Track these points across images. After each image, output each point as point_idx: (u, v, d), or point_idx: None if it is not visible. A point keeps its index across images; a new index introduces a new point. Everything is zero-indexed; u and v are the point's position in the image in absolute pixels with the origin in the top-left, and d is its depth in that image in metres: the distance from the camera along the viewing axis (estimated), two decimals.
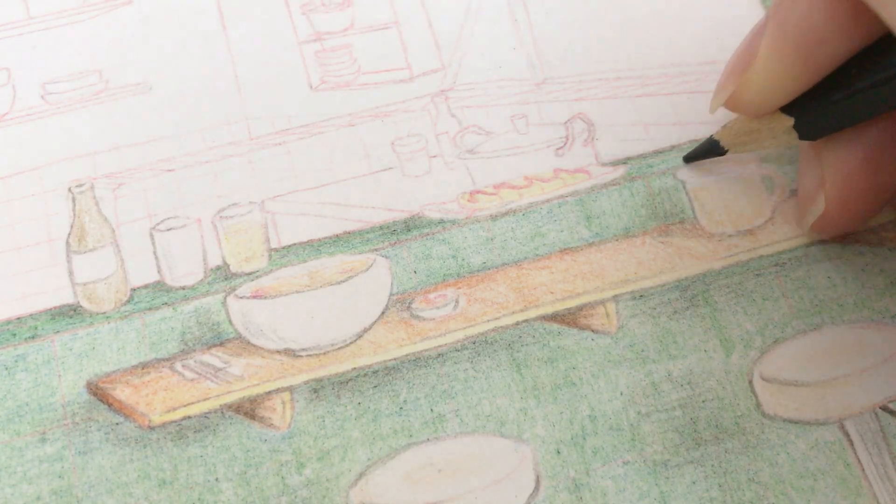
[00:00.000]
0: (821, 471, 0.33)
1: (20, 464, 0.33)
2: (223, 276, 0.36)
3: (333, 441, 0.33)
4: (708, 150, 0.36)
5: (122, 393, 0.34)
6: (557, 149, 0.38)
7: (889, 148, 0.33)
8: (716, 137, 0.35)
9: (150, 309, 0.35)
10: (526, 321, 0.35)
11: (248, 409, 0.34)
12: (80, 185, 0.37)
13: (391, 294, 0.36)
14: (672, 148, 0.38)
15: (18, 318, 0.35)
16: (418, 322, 0.35)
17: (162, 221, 0.37)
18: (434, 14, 0.41)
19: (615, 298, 0.35)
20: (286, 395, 0.34)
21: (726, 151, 0.35)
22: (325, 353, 0.35)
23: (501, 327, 0.35)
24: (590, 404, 0.34)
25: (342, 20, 0.41)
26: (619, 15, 0.40)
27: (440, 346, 0.35)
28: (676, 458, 0.33)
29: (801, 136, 0.33)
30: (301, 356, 0.35)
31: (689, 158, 0.37)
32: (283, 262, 0.36)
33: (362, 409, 0.34)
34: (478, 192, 0.37)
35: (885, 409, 0.34)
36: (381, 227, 0.37)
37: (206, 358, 0.35)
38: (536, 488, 0.33)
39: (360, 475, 0.33)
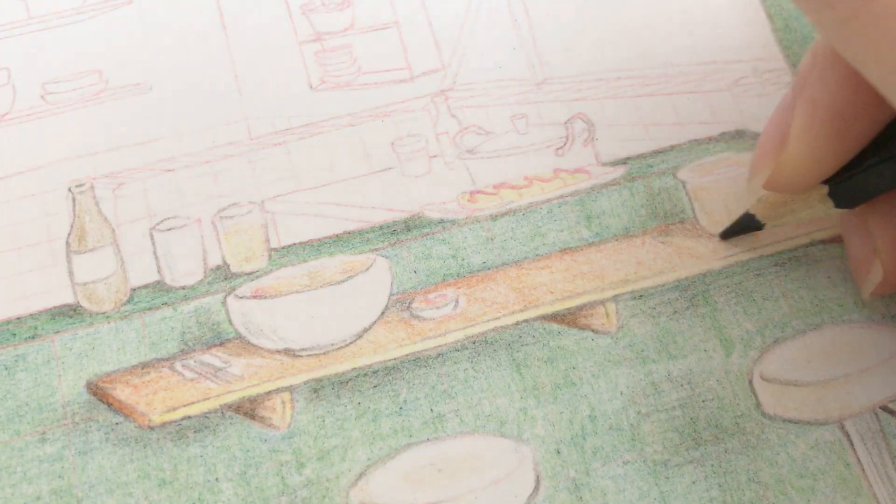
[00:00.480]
0: (821, 471, 0.33)
1: (20, 464, 0.33)
2: (223, 276, 0.36)
3: (333, 441, 0.33)
4: (745, 226, 0.35)
5: (122, 393, 0.34)
6: (557, 149, 0.38)
7: None
8: (751, 212, 0.34)
9: (150, 309, 0.35)
10: (526, 321, 0.35)
11: (248, 409, 0.34)
12: (80, 185, 0.37)
13: (391, 294, 0.36)
14: (672, 148, 0.38)
15: (18, 318, 0.35)
16: (418, 322, 0.35)
17: (162, 221, 0.37)
18: (434, 14, 0.41)
19: (615, 298, 0.35)
20: (286, 395, 0.34)
21: (763, 225, 0.35)
22: (325, 353, 0.35)
23: (501, 327, 0.35)
24: (590, 404, 0.34)
25: (342, 20, 0.41)
26: (619, 15, 0.40)
27: (440, 346, 0.35)
28: (676, 458, 0.33)
29: (837, 205, 0.32)
30: (301, 356, 0.35)
31: (726, 235, 0.36)
32: (283, 262, 0.36)
33: (362, 409, 0.34)
34: (478, 192, 0.37)
35: (885, 409, 0.34)
36: (381, 227, 0.37)
37: (206, 358, 0.35)
38: (536, 488, 0.33)
39: (360, 475, 0.33)
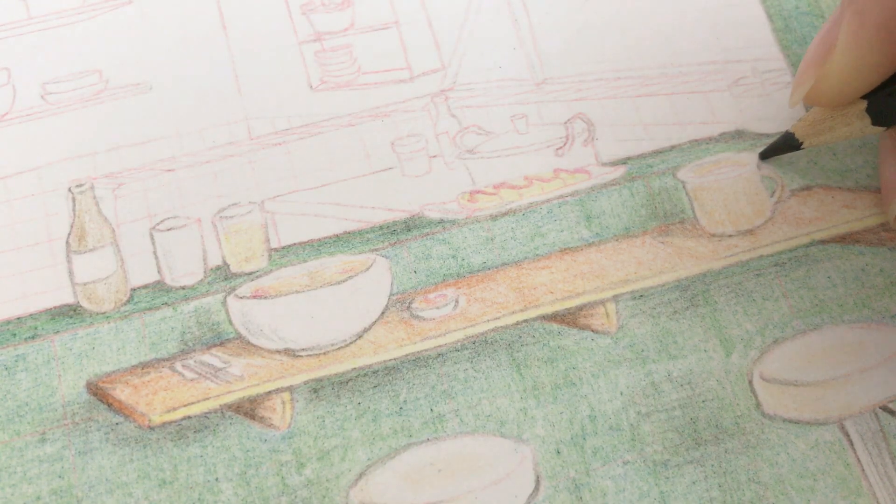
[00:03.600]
0: (821, 471, 0.33)
1: (20, 464, 0.33)
2: (223, 276, 0.36)
3: (333, 441, 0.33)
4: (784, 145, 0.35)
5: (122, 393, 0.34)
6: (557, 149, 0.38)
7: None
8: (791, 130, 0.35)
9: (150, 309, 0.35)
10: (526, 321, 0.35)
11: (248, 409, 0.34)
12: (80, 185, 0.37)
13: (391, 294, 0.36)
14: (672, 148, 0.38)
15: (18, 318, 0.35)
16: (418, 322, 0.35)
17: (162, 221, 0.37)
18: (434, 14, 0.41)
19: (615, 298, 0.35)
20: (286, 395, 0.34)
21: (801, 145, 0.35)
22: (325, 353, 0.35)
23: (501, 327, 0.35)
24: (590, 404, 0.34)
25: (342, 20, 0.41)
26: (619, 15, 0.40)
27: (440, 346, 0.35)
28: (676, 458, 0.33)
29: (874, 122, 0.32)
30: (301, 356, 0.35)
31: (766, 154, 0.36)
32: (283, 262, 0.36)
33: (362, 409, 0.34)
34: (478, 192, 0.37)
35: (885, 409, 0.34)
36: (381, 227, 0.37)
37: (206, 358, 0.35)
38: (536, 488, 0.33)
39: (360, 475, 0.33)
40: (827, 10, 0.40)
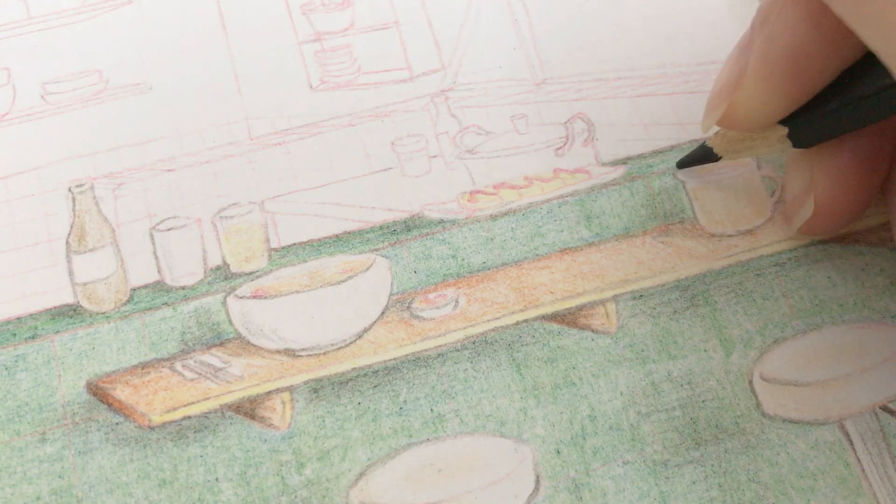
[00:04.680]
0: (821, 471, 0.33)
1: (20, 464, 0.33)
2: (223, 276, 0.36)
3: (333, 441, 0.33)
4: (701, 157, 0.36)
5: (122, 393, 0.34)
6: (557, 149, 0.38)
7: (879, 152, 0.32)
8: (709, 144, 0.35)
9: (150, 309, 0.35)
10: (526, 321, 0.35)
11: (248, 409, 0.34)
12: (80, 185, 0.37)
13: (391, 294, 0.36)
14: (672, 148, 0.38)
15: (18, 318, 0.35)
16: (418, 322, 0.35)
17: (162, 221, 0.37)
18: (434, 14, 0.41)
19: (615, 298, 0.35)
20: (286, 395, 0.34)
21: (720, 158, 0.35)
22: (325, 353, 0.35)
23: (501, 327, 0.35)
24: (590, 404, 0.34)
25: (342, 20, 0.41)
26: (618, 15, 0.40)
27: (440, 346, 0.35)
28: (676, 458, 0.33)
29: (795, 145, 0.32)
30: (301, 356, 0.35)
31: (682, 164, 0.37)
32: (283, 262, 0.36)
33: (362, 409, 0.34)
34: (478, 192, 0.37)
35: (885, 409, 0.34)
36: (381, 227, 0.37)
37: (206, 358, 0.35)
38: (536, 488, 0.33)
39: (360, 475, 0.33)
40: None
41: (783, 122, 0.32)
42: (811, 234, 0.35)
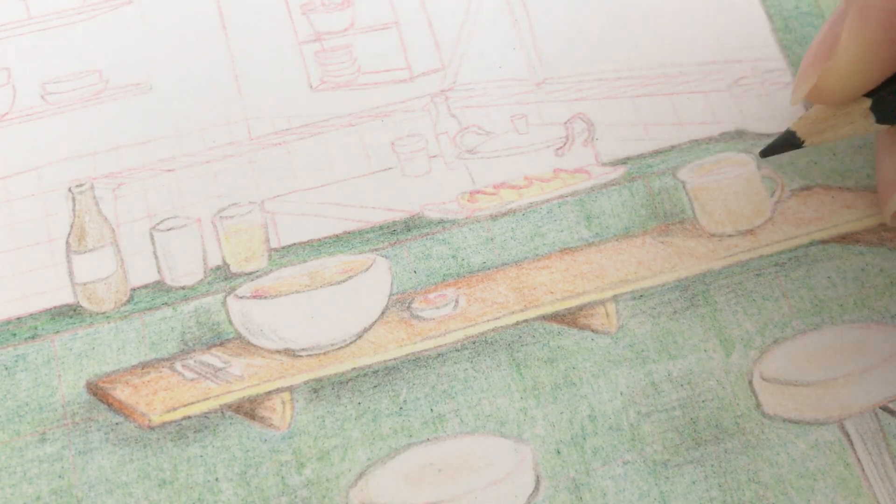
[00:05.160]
0: (821, 471, 0.33)
1: (20, 464, 0.33)
2: (223, 276, 0.36)
3: (333, 441, 0.33)
4: (785, 143, 0.34)
5: (122, 393, 0.34)
6: (557, 149, 0.38)
7: None
8: (792, 129, 0.34)
9: (150, 309, 0.35)
10: (526, 321, 0.35)
11: (248, 409, 0.34)
12: (80, 185, 0.37)
13: (391, 294, 0.36)
14: (672, 148, 0.38)
15: (18, 318, 0.35)
16: (418, 322, 0.35)
17: (162, 221, 0.37)
18: (434, 14, 0.41)
19: (615, 298, 0.35)
20: (286, 395, 0.34)
21: (803, 143, 0.34)
22: (325, 353, 0.35)
23: (501, 327, 0.35)
24: (590, 404, 0.34)
25: (342, 20, 0.41)
26: (619, 15, 0.40)
27: (440, 346, 0.35)
28: (676, 458, 0.33)
29: (879, 119, 0.32)
30: (301, 356, 0.35)
31: (766, 153, 0.35)
32: (283, 262, 0.36)
33: (362, 409, 0.34)
34: (478, 192, 0.37)
35: (885, 409, 0.34)
36: (381, 227, 0.37)
37: (206, 358, 0.35)
38: (536, 488, 0.33)
39: (360, 475, 0.33)
40: (827, 9, 0.40)
41: (867, 95, 0.32)
42: None
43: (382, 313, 0.35)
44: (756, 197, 0.37)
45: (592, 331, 0.35)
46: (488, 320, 0.35)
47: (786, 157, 0.37)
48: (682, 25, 0.40)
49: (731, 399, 0.34)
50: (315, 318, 0.35)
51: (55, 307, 0.35)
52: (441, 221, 0.37)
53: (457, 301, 0.35)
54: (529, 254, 0.36)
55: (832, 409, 0.34)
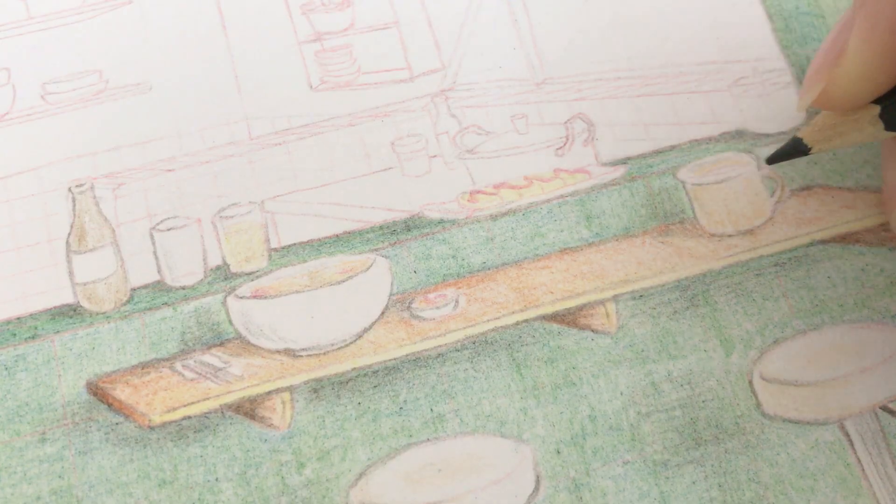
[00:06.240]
0: (821, 471, 0.33)
1: (20, 464, 0.33)
2: (223, 276, 0.36)
3: (333, 441, 0.33)
4: (792, 150, 0.34)
5: (122, 393, 0.34)
6: (557, 149, 0.38)
7: None
8: (799, 135, 0.34)
9: (150, 309, 0.35)
10: (526, 321, 0.35)
11: (248, 409, 0.34)
12: (80, 185, 0.37)
13: (391, 294, 0.36)
14: (672, 148, 0.38)
15: (18, 318, 0.35)
16: (418, 322, 0.35)
17: (162, 221, 0.37)
18: (434, 14, 0.41)
19: (615, 298, 0.35)
20: (286, 395, 0.34)
21: (810, 150, 0.34)
22: (325, 353, 0.35)
23: (501, 327, 0.35)
24: (590, 404, 0.34)
25: (342, 20, 0.41)
26: (619, 15, 0.40)
27: (440, 346, 0.35)
28: (676, 458, 0.33)
29: (888, 127, 0.31)
30: (301, 356, 0.35)
31: (773, 160, 0.35)
32: (283, 262, 0.36)
33: (362, 409, 0.34)
34: (478, 192, 0.37)
35: (885, 409, 0.34)
36: (381, 227, 0.37)
37: (206, 358, 0.35)
38: (536, 488, 0.33)
39: (360, 475, 0.33)
40: (827, 10, 0.40)
41: (875, 101, 0.31)
42: None
43: (382, 313, 0.35)
44: (756, 197, 0.37)
45: (592, 331, 0.35)
46: (488, 320, 0.35)
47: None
48: (682, 25, 0.40)
49: (731, 399, 0.34)
50: (315, 318, 0.35)
51: (55, 307, 0.35)
52: (441, 221, 0.37)
53: (457, 301, 0.35)
54: (529, 254, 0.36)
55: (832, 409, 0.34)
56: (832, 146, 0.33)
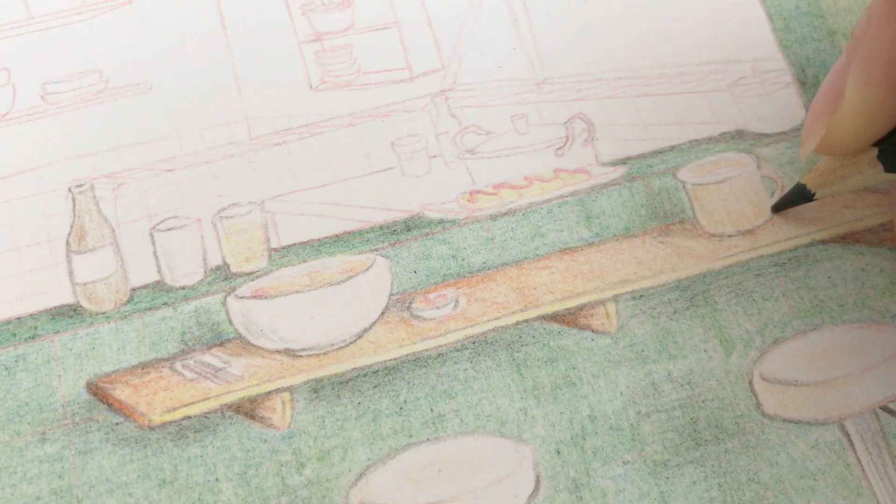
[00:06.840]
0: (821, 471, 0.33)
1: (20, 464, 0.33)
2: (223, 276, 0.36)
3: (333, 441, 0.33)
4: (797, 197, 0.35)
5: (122, 393, 0.34)
6: (557, 149, 0.38)
7: None
8: (803, 182, 0.34)
9: (150, 309, 0.35)
10: (526, 321, 0.35)
11: (248, 409, 0.34)
12: (80, 185, 0.37)
13: (391, 294, 0.36)
14: (672, 148, 0.38)
15: (18, 318, 0.35)
16: (418, 322, 0.35)
17: (162, 221, 0.37)
18: (434, 14, 0.41)
19: (615, 298, 0.35)
20: (286, 395, 0.34)
21: (814, 196, 0.34)
22: (325, 353, 0.35)
23: (501, 327, 0.35)
24: (590, 404, 0.34)
25: (342, 20, 0.41)
26: (619, 15, 0.40)
27: (440, 346, 0.35)
28: (676, 458, 0.33)
29: (887, 168, 0.32)
30: (301, 356, 0.35)
31: (777, 208, 0.36)
32: (283, 262, 0.36)
33: (362, 409, 0.34)
34: (478, 192, 0.37)
35: (885, 409, 0.34)
36: (381, 227, 0.37)
37: (206, 358, 0.35)
38: (536, 488, 0.33)
39: (360, 475, 0.33)
40: (827, 10, 0.40)
41: (875, 144, 0.31)
42: None
43: (382, 313, 0.35)
44: (756, 197, 0.37)
45: (592, 331, 0.35)
46: (488, 320, 0.35)
47: (785, 156, 0.38)
48: (682, 25, 0.40)
49: (731, 399, 0.34)
50: (315, 318, 0.35)
51: (55, 307, 0.35)
52: (441, 221, 0.37)
53: (457, 301, 0.35)
54: (529, 254, 0.36)
55: (832, 409, 0.34)
56: (835, 191, 0.34)
